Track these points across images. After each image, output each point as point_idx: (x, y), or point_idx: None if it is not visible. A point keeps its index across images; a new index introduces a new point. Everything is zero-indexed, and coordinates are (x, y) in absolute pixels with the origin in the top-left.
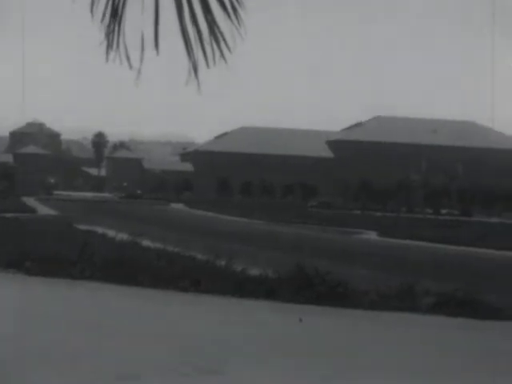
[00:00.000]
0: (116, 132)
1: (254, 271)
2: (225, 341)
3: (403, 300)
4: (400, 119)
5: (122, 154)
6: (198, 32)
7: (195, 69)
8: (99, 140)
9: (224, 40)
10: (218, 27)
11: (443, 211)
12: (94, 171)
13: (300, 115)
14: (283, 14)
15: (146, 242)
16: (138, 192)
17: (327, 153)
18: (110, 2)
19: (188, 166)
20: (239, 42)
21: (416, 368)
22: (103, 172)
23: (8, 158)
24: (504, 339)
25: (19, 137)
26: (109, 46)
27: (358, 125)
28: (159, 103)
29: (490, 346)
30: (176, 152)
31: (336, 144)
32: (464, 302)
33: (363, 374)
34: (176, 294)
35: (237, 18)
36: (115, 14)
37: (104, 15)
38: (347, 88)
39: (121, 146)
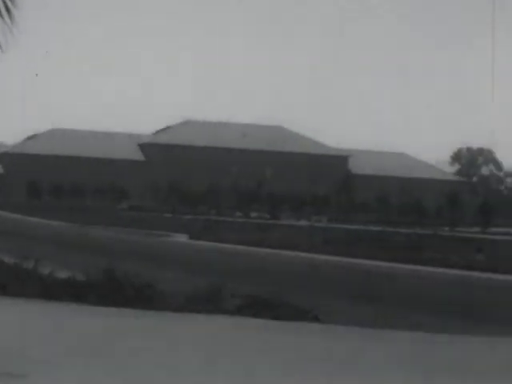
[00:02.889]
0: None
1: (62, 274)
2: (28, 344)
3: (210, 302)
4: (210, 123)
5: None
6: None
7: None
8: None
9: None
10: None
11: (253, 214)
12: None
13: (112, 116)
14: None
15: None
16: None
17: (138, 156)
18: None
19: None
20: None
21: (201, 367)
22: None
23: None
24: (303, 339)
25: None
26: None
27: (169, 128)
28: None
29: (289, 345)
30: None
31: (147, 147)
32: (270, 303)
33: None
34: None
35: (10, 17)
36: None
37: None
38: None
39: None
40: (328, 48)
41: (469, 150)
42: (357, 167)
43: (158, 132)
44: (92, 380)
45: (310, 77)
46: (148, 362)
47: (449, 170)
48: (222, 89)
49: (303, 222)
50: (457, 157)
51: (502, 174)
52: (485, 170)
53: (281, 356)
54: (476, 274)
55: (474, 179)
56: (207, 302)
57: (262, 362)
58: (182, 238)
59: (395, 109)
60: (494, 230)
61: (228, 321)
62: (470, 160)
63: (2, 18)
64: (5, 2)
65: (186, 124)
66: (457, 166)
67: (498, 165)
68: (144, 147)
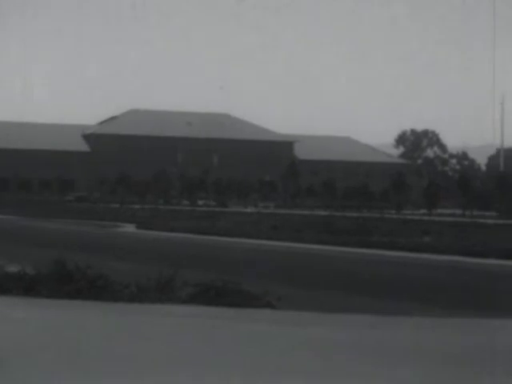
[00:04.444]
0: None
1: (12, 268)
2: None
3: (163, 291)
4: (155, 112)
5: None
6: None
7: None
8: None
9: None
10: None
11: (200, 202)
12: None
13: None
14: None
15: None
16: None
17: (84, 147)
18: None
19: None
20: None
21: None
22: None
23: None
24: (253, 325)
25: None
26: None
27: (114, 118)
28: None
29: (239, 331)
30: None
31: (92, 137)
32: (222, 291)
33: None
34: None
35: None
36: None
37: None
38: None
39: None
40: (272, 30)
41: (413, 132)
42: (302, 152)
43: (102, 122)
44: (45, 373)
45: (254, 63)
46: (101, 354)
47: (394, 153)
48: (166, 78)
49: (250, 209)
50: (401, 139)
51: (446, 155)
52: (430, 153)
53: (236, 343)
54: (423, 255)
55: (419, 161)
56: (159, 291)
57: (216, 350)
58: (130, 228)
59: (340, 93)
60: (440, 211)
61: (181, 309)
62: (415, 142)
63: None
64: None
65: (131, 113)
66: (401, 149)
67: (442, 147)
68: (89, 138)
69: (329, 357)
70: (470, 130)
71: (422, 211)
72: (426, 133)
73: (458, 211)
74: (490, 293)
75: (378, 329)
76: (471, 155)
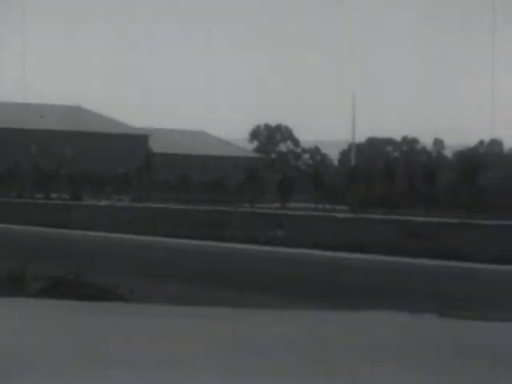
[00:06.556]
0: None
1: None
2: None
3: (12, 284)
4: (6, 104)
5: None
6: None
7: None
8: None
9: None
10: None
11: (53, 196)
12: None
13: None
14: None
15: None
16: None
17: None
18: None
19: None
20: None
21: None
22: None
23: None
24: (104, 318)
25: None
26: None
27: None
28: None
29: (87, 325)
30: None
31: None
32: (74, 284)
33: None
34: None
35: None
36: None
37: None
38: None
39: None
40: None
41: (267, 126)
42: (157, 146)
43: None
44: None
45: (109, 54)
46: None
47: (248, 147)
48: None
49: (104, 202)
50: (255, 134)
51: (299, 150)
52: (283, 147)
53: (85, 336)
54: (277, 248)
55: (273, 156)
56: (9, 284)
57: (65, 343)
58: None
59: (196, 87)
60: (293, 205)
61: (30, 303)
62: (269, 137)
63: None
64: None
65: None
66: (255, 143)
67: (295, 141)
68: None
69: (181, 347)
70: (324, 124)
71: (276, 205)
72: (279, 127)
73: (311, 205)
74: (334, 285)
75: (227, 320)
76: (324, 150)
